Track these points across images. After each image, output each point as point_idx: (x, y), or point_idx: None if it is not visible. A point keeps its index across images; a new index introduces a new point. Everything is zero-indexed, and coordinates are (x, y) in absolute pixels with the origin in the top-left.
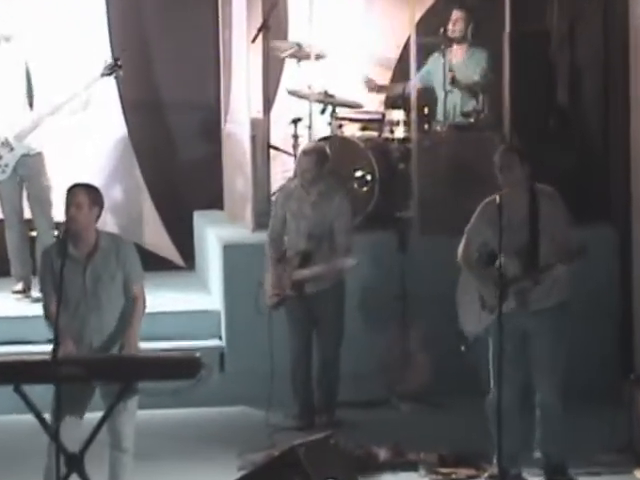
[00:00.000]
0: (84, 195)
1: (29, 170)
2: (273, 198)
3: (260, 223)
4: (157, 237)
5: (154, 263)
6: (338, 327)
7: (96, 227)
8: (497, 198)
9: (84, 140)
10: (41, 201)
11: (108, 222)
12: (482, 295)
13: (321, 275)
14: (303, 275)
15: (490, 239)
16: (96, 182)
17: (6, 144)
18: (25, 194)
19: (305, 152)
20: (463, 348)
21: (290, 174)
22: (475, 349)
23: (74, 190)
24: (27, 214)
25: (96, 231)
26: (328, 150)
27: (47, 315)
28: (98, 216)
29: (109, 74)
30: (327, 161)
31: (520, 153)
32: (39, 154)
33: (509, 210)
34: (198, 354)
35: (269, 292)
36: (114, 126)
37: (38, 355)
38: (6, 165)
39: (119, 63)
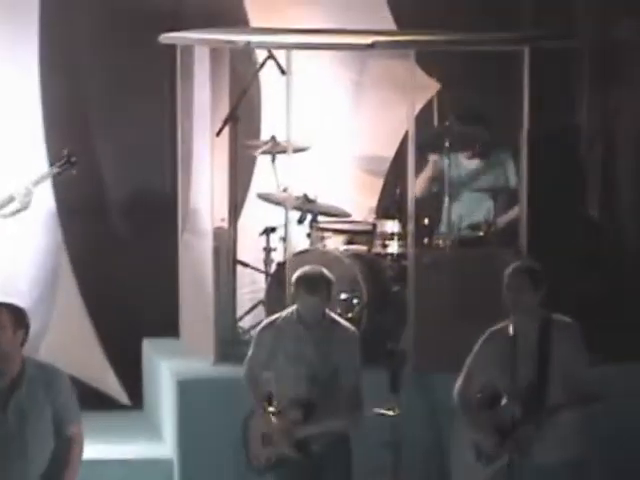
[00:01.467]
0: (7, 315)
1: None
2: (252, 332)
3: (223, 354)
4: (97, 369)
5: (93, 400)
6: None
7: (22, 353)
8: (509, 327)
9: (8, 249)
10: None
11: (37, 348)
12: (477, 444)
13: (330, 431)
14: (308, 432)
15: (495, 376)
16: (22, 300)
17: None
18: None
19: (312, 290)
20: None
21: (261, 295)
22: None
23: None
24: None
25: (21, 358)
26: (331, 276)
27: None
28: (24, 340)
29: (60, 173)
30: (333, 289)
31: (533, 274)
32: None
33: (516, 342)
34: None
35: (258, 449)
36: (46, 233)
37: None
38: None
39: (73, 159)
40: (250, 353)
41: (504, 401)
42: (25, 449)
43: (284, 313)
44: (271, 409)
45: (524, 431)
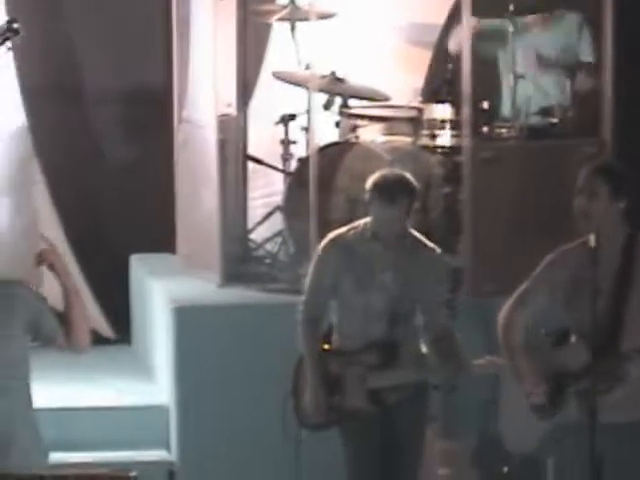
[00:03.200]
0: None
1: None
2: (266, 246)
3: (232, 274)
4: None
5: None
6: (421, 451)
7: None
8: (585, 245)
9: None
10: None
11: None
12: (528, 390)
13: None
14: (386, 381)
15: (560, 307)
16: None
17: None
18: None
19: (391, 198)
20: (506, 470)
21: (278, 200)
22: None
23: None
24: None
25: None
26: (415, 183)
27: None
28: None
29: (1, 43)
30: (416, 200)
31: (614, 176)
32: None
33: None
34: (134, 473)
35: (310, 406)
36: (7, 126)
37: None
38: None
39: (15, 26)
40: (308, 285)
41: (573, 340)
42: None
43: (354, 227)
44: (326, 346)
45: (593, 380)
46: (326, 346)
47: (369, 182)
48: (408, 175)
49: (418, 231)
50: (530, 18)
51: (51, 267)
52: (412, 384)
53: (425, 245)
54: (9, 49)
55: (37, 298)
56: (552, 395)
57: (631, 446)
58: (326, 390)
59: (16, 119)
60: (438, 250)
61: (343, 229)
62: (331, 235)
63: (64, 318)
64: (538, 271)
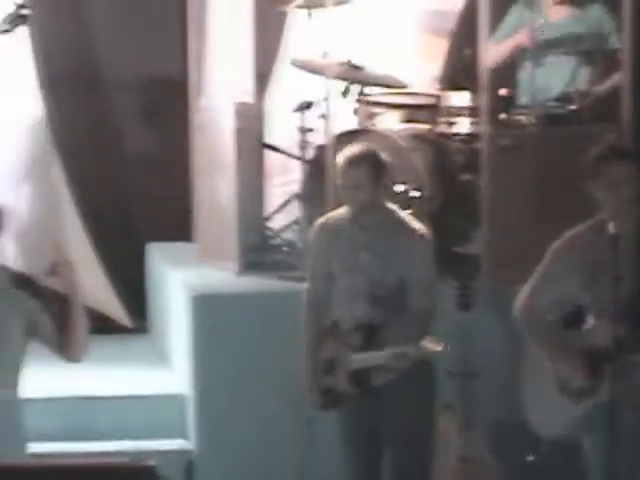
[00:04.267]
0: None
1: None
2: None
3: (249, 263)
4: (89, 282)
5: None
6: (423, 440)
7: None
8: (607, 224)
9: None
10: None
11: (10, 254)
12: (559, 375)
13: (388, 363)
14: (366, 362)
15: (578, 290)
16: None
17: None
18: None
19: (351, 161)
20: (531, 458)
21: (295, 187)
22: (556, 459)
23: None
24: None
25: None
26: (383, 156)
27: None
28: None
29: (8, 30)
30: (385, 174)
31: (632, 156)
32: None
33: (606, 244)
34: (152, 462)
35: (306, 389)
36: (26, 114)
37: None
38: None
39: (24, 12)
40: (309, 269)
41: (592, 320)
42: None
43: (340, 210)
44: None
45: (626, 359)
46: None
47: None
48: (375, 149)
49: (432, 218)
50: (551, 4)
51: (61, 279)
52: (399, 367)
53: (408, 226)
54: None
55: (34, 299)
56: (591, 375)
57: None
58: (321, 373)
59: (35, 107)
60: (423, 231)
61: (331, 213)
62: (319, 220)
63: (64, 328)
64: (548, 257)
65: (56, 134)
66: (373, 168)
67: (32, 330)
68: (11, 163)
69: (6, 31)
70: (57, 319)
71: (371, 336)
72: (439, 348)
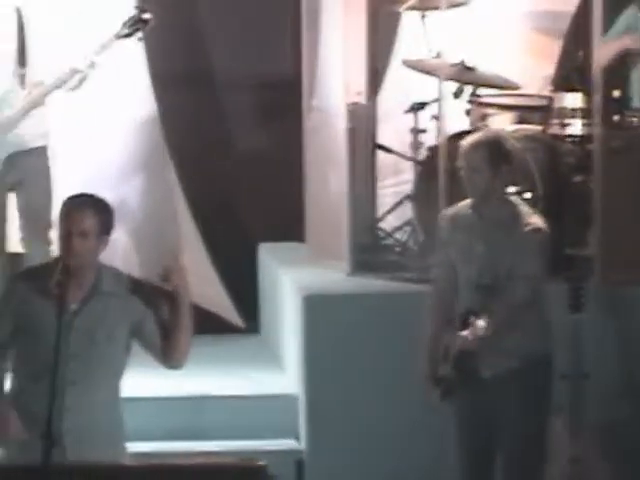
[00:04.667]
0: (92, 218)
1: (21, 174)
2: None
3: (360, 263)
4: (202, 281)
5: (196, 322)
6: (537, 440)
7: (98, 261)
8: None
9: (89, 132)
10: (36, 219)
11: (122, 254)
12: None
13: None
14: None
15: None
16: (108, 195)
17: None
18: (15, 208)
19: (472, 144)
20: None
21: (407, 188)
22: None
23: (78, 209)
24: None
25: (97, 268)
26: (508, 144)
27: None
28: (104, 246)
29: (129, 34)
30: (505, 162)
31: None
32: (38, 150)
33: None
34: (262, 462)
35: (424, 376)
36: (137, 112)
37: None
38: None
39: (145, 17)
40: (436, 258)
41: None
42: (89, 373)
43: (465, 201)
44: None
45: None
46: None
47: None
48: (502, 136)
49: (543, 219)
50: None
51: (173, 285)
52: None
53: (525, 219)
54: (140, 39)
55: (143, 302)
56: None
57: None
58: (440, 362)
59: (146, 105)
60: (540, 225)
61: (458, 204)
62: (444, 211)
63: (169, 333)
64: None
65: (168, 133)
66: (492, 153)
67: (137, 332)
68: (124, 160)
69: (126, 35)
70: (163, 324)
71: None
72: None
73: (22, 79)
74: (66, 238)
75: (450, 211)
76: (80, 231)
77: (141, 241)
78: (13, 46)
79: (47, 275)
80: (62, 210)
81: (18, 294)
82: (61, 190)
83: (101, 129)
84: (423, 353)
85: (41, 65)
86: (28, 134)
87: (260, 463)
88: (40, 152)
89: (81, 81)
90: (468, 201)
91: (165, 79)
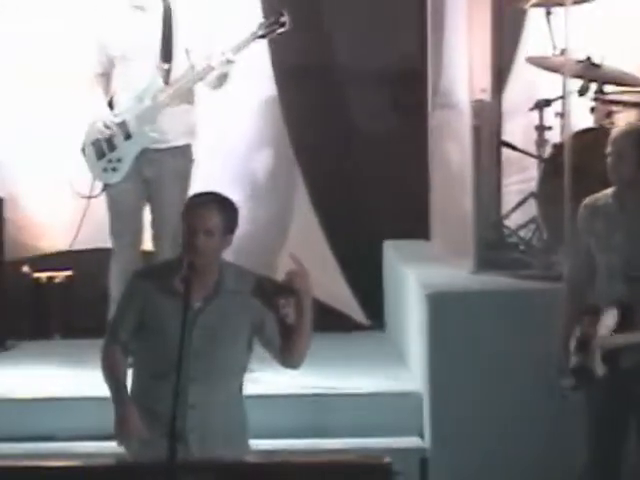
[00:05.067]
0: (217, 216)
1: (159, 170)
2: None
3: (485, 260)
4: (326, 279)
5: (320, 320)
6: None
7: (222, 259)
8: None
9: (212, 128)
10: (169, 219)
11: (244, 253)
12: None
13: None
14: (619, 341)
15: None
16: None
17: (122, 129)
18: (150, 206)
19: (621, 131)
20: None
21: (532, 186)
22: None
23: (204, 207)
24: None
25: (220, 265)
26: None
27: (109, 368)
28: (228, 245)
29: (265, 35)
30: None
31: None
32: (182, 149)
33: None
34: (388, 459)
35: (559, 367)
36: (262, 110)
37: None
38: (119, 160)
39: (283, 20)
40: (572, 246)
41: None
42: (212, 370)
43: (607, 190)
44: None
45: None
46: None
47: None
48: None
49: None
50: None
51: (296, 288)
52: None
53: None
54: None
55: (267, 301)
56: None
57: None
58: (575, 352)
59: (269, 97)
60: None
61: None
62: (584, 199)
63: (290, 334)
64: None
65: (292, 132)
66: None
67: (258, 330)
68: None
69: (262, 36)
70: (284, 323)
71: (626, 316)
72: None
73: (166, 74)
74: (191, 236)
75: (590, 199)
76: (205, 229)
77: (262, 242)
78: (156, 40)
79: (170, 273)
80: (187, 208)
81: (141, 292)
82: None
83: (229, 111)
84: (556, 343)
85: (185, 60)
86: (173, 131)
87: (385, 460)
88: (183, 151)
89: (221, 80)
90: (609, 190)
91: (289, 70)
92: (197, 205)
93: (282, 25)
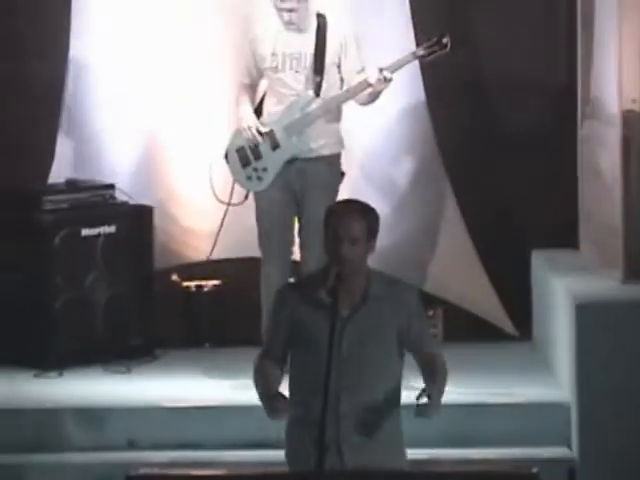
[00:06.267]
0: (361, 224)
1: (307, 180)
2: None
3: (635, 270)
4: (475, 288)
5: (469, 330)
6: None
7: (367, 266)
8: None
9: (358, 139)
10: (317, 229)
11: (393, 264)
12: None
13: None
14: None
15: None
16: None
17: (269, 138)
18: (297, 216)
19: None
20: None
21: None
22: None
23: (348, 215)
24: None
25: (367, 273)
26: None
27: (261, 380)
28: (372, 251)
29: (426, 56)
30: None
31: None
32: (331, 158)
33: None
34: (535, 469)
35: None
36: (409, 120)
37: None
38: (264, 169)
39: (444, 41)
40: None
41: None
42: (362, 379)
43: None
44: None
45: None
46: None
47: None
48: None
49: None
50: None
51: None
52: None
53: None
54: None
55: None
56: None
57: None
58: None
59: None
60: None
61: None
62: None
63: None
64: None
65: (440, 141)
66: None
67: (403, 335)
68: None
69: (423, 56)
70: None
71: None
72: None
73: (317, 86)
74: (337, 245)
75: None
76: (350, 237)
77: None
78: (308, 53)
79: (316, 284)
80: (330, 217)
81: (289, 305)
82: None
83: (375, 121)
84: None
85: (335, 74)
86: (321, 142)
87: (532, 470)
88: (331, 160)
89: (373, 97)
90: None
91: (438, 87)
92: (340, 214)
93: (444, 47)
